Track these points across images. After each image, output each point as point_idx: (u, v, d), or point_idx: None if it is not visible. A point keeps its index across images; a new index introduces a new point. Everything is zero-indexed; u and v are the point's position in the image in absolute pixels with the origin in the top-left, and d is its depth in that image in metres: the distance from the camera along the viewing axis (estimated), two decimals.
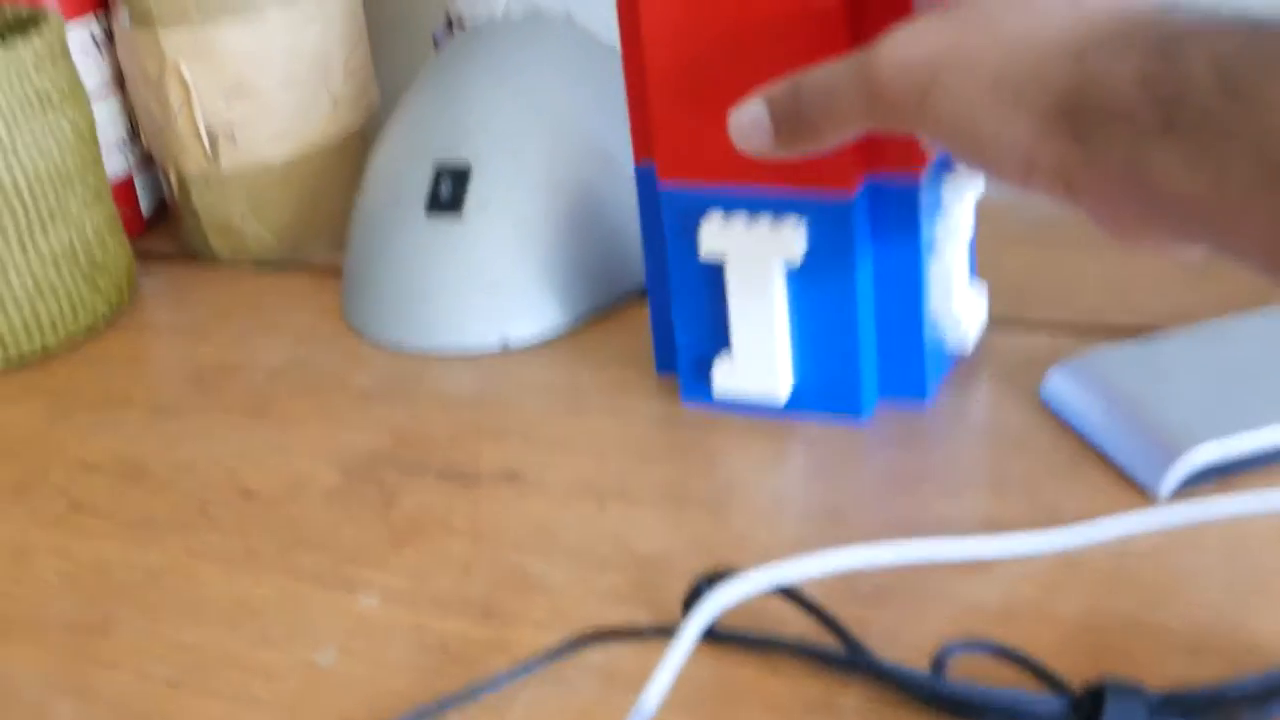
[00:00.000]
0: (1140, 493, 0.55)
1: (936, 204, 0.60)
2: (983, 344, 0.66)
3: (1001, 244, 0.75)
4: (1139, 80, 0.40)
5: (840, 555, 0.52)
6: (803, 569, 0.51)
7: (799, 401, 0.62)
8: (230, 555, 0.59)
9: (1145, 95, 0.40)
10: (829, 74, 0.49)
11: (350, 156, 0.85)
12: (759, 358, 0.61)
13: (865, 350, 0.61)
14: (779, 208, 0.59)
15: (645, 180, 0.63)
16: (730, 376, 0.62)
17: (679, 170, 0.60)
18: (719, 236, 0.59)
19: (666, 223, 0.61)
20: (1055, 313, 0.68)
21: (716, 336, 0.63)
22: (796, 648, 0.49)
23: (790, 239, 0.58)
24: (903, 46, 0.47)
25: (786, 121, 0.50)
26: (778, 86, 0.51)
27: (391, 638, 0.53)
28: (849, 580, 0.52)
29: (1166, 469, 0.54)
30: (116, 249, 0.81)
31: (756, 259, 0.59)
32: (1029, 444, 0.59)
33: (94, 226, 0.79)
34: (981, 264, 0.73)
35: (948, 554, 0.53)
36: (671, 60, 0.58)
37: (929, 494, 0.57)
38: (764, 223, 0.58)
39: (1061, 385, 0.61)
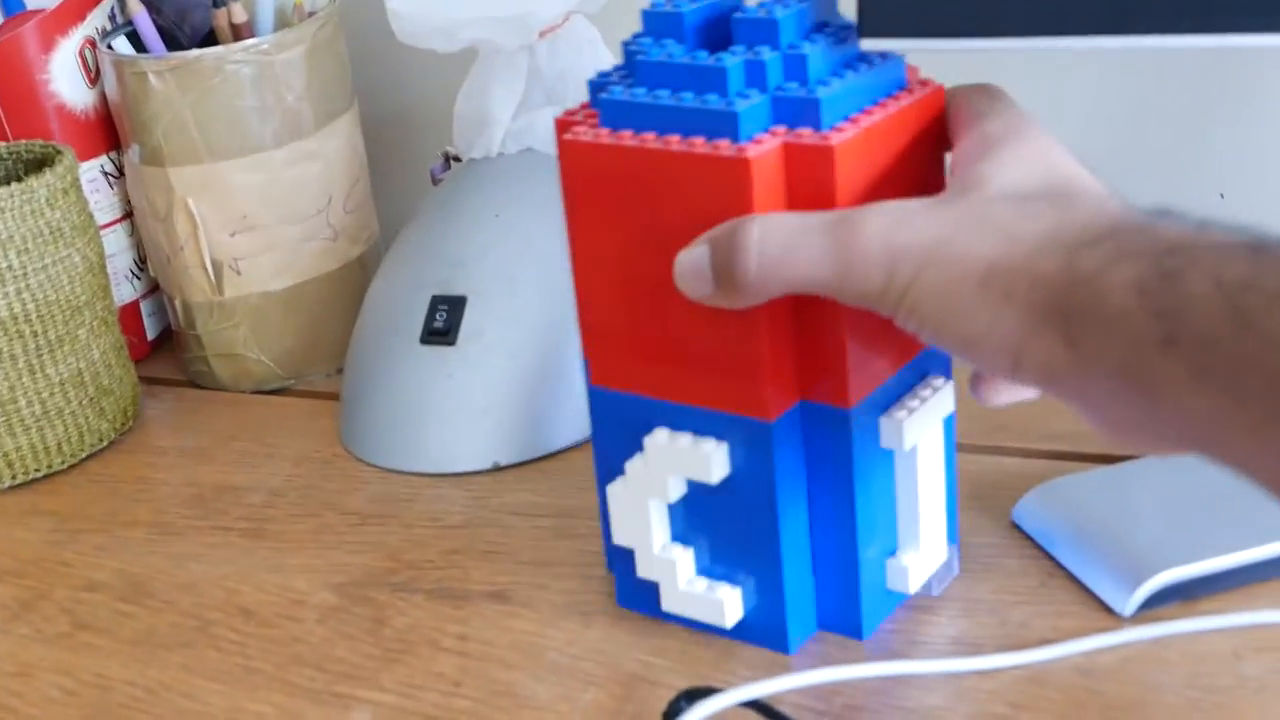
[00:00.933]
0: (1106, 613, 0.57)
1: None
2: (959, 467, 0.68)
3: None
4: (1136, 289, 0.39)
5: (816, 673, 0.54)
6: (779, 685, 0.53)
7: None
8: (228, 673, 0.61)
9: (1143, 305, 0.39)
10: (792, 228, 0.48)
11: (350, 286, 0.88)
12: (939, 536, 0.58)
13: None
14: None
15: (783, 432, 0.55)
16: (917, 569, 0.58)
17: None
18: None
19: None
20: (1030, 439, 0.71)
21: (891, 540, 0.58)
22: None
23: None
24: (893, 230, 0.45)
25: (726, 270, 0.49)
26: (723, 229, 0.49)
27: None
28: (824, 696, 0.54)
29: (1131, 590, 0.56)
30: (122, 374, 0.84)
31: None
32: (999, 565, 0.61)
33: (101, 353, 0.82)
34: (959, 388, 0.76)
35: (918, 670, 0.55)
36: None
37: (901, 613, 0.59)
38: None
39: (1033, 508, 0.63)
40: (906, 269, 0.45)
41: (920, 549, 0.57)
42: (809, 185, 0.50)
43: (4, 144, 0.84)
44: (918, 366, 0.57)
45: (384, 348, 0.78)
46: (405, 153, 0.99)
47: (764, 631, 0.57)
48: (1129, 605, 0.56)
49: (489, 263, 0.76)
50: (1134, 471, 0.64)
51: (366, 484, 0.75)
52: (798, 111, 0.50)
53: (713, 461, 0.54)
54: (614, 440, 0.57)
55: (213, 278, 0.85)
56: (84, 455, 0.81)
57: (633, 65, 0.54)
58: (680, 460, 0.55)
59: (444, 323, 0.75)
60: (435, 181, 0.86)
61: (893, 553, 0.58)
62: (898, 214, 0.46)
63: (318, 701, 0.58)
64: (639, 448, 0.56)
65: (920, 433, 0.55)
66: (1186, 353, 0.38)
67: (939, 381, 0.57)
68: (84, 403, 0.81)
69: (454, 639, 0.61)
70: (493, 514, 0.70)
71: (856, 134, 0.50)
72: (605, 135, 0.53)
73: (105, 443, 0.82)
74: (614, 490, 0.57)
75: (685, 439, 0.55)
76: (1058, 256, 0.42)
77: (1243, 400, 0.37)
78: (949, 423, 0.58)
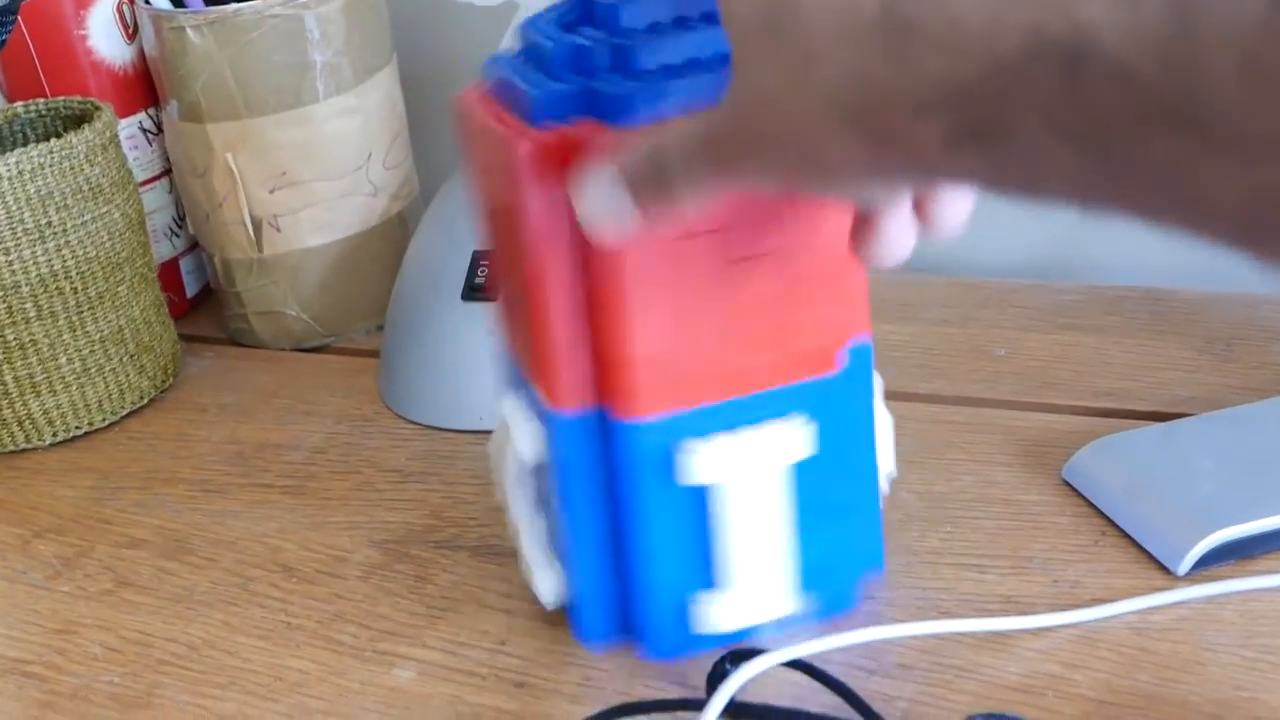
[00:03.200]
0: (1161, 571, 0.56)
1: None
2: (1007, 424, 0.67)
3: (1025, 327, 0.77)
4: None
5: (863, 632, 0.53)
6: (826, 645, 0.53)
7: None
8: (271, 629, 0.61)
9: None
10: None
11: (390, 242, 0.87)
12: (766, 583, 0.54)
13: (584, 582, 0.55)
14: (767, 410, 0.52)
15: (572, 430, 0.52)
16: (727, 612, 0.54)
17: (655, 403, 0.51)
18: (712, 459, 0.51)
19: (636, 463, 0.52)
20: (1078, 396, 0.70)
21: (698, 574, 0.54)
22: None
23: (798, 437, 0.52)
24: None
25: (645, 179, 0.43)
26: (624, 151, 0.44)
27: (427, 710, 0.54)
28: (873, 655, 0.54)
29: (1186, 549, 0.55)
30: (162, 332, 0.84)
31: (764, 471, 0.52)
32: (1051, 523, 0.60)
33: (141, 310, 0.81)
34: (1006, 346, 0.75)
35: (969, 630, 0.54)
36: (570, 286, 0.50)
37: (953, 572, 0.58)
38: (769, 428, 0.51)
39: (1086, 465, 0.62)
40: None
41: (735, 592, 0.53)
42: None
43: (42, 100, 0.84)
44: (771, 404, 0.51)
45: (425, 304, 0.77)
46: (445, 108, 0.98)
47: (574, 620, 0.56)
48: (1183, 564, 0.55)
49: None
50: (1188, 428, 0.63)
51: (407, 441, 0.74)
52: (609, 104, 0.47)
53: (524, 441, 0.54)
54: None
55: (252, 234, 0.84)
56: (124, 413, 0.81)
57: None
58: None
59: (485, 279, 0.75)
60: None
61: (706, 588, 0.54)
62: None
63: (361, 659, 0.58)
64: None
65: (726, 471, 0.51)
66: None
67: (794, 423, 0.52)
68: (124, 360, 0.80)
69: (498, 596, 0.60)
70: None
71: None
72: (478, 107, 0.52)
73: (145, 400, 0.82)
74: (491, 443, 0.58)
75: (520, 413, 0.55)
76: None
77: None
78: (805, 467, 0.53)
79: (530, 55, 0.50)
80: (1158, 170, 0.31)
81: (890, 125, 0.35)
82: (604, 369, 0.50)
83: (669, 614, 0.54)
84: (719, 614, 0.53)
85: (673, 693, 0.53)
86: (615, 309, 0.49)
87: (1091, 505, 0.61)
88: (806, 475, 0.53)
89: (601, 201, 0.44)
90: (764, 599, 0.54)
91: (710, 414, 0.51)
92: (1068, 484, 0.62)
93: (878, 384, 0.55)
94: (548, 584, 0.56)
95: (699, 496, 0.52)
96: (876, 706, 0.50)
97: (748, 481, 0.52)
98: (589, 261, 0.49)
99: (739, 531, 0.52)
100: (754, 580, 0.53)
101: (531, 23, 0.51)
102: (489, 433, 0.73)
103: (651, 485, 0.52)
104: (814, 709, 0.50)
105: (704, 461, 0.51)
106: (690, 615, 0.54)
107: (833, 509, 0.54)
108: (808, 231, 0.50)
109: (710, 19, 0.47)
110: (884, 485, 0.57)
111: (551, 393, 0.51)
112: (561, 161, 0.47)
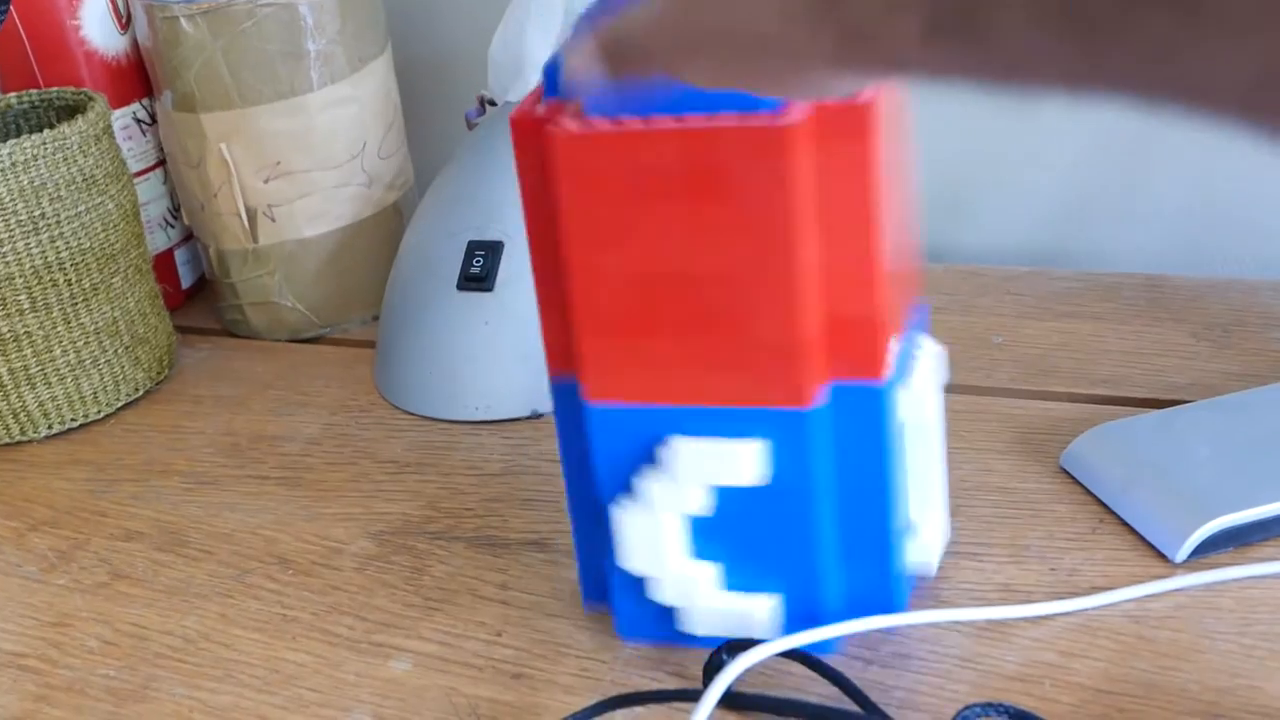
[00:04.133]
0: (1158, 559, 0.56)
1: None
2: (1005, 412, 0.67)
3: (1023, 314, 0.76)
4: None
5: (861, 622, 0.53)
6: (822, 634, 0.52)
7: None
8: (267, 622, 0.60)
9: None
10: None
11: (385, 232, 0.87)
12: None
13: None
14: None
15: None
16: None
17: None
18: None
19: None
20: (1075, 383, 0.69)
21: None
22: (816, 711, 0.50)
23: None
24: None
25: (613, 57, 0.42)
26: (601, 28, 0.42)
27: (424, 701, 0.54)
28: (872, 644, 0.53)
29: (1184, 536, 0.55)
30: (157, 323, 0.83)
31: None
32: (1049, 510, 0.60)
33: (136, 302, 0.81)
34: (1004, 333, 0.75)
35: (967, 618, 0.54)
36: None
37: (950, 560, 0.58)
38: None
39: (1083, 453, 0.62)
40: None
41: (936, 524, 0.55)
42: (842, 158, 0.47)
43: (36, 91, 0.83)
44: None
45: (420, 294, 0.77)
46: (440, 97, 0.98)
47: (876, 602, 0.53)
48: (1181, 551, 0.55)
49: None
50: (1186, 416, 0.62)
51: (403, 432, 0.74)
52: None
53: (748, 462, 0.50)
54: (619, 459, 0.52)
55: (246, 225, 0.84)
56: (120, 404, 0.81)
57: None
58: (709, 466, 0.50)
59: (481, 268, 0.74)
60: (470, 126, 0.85)
61: (910, 531, 0.54)
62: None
63: (357, 650, 0.58)
64: (648, 462, 0.52)
65: (934, 402, 0.52)
66: None
67: (929, 345, 0.54)
68: (119, 352, 0.80)
69: (494, 587, 0.60)
70: (531, 462, 0.69)
71: (877, 96, 0.47)
72: (605, 124, 0.47)
73: (141, 392, 0.82)
74: (622, 515, 0.52)
75: (711, 443, 0.50)
76: None
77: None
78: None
79: None
80: (1148, 49, 0.30)
81: (861, 18, 0.33)
82: (844, 342, 0.49)
83: (902, 570, 0.53)
84: (932, 549, 0.55)
85: (670, 683, 0.53)
86: (855, 273, 0.48)
87: (1089, 493, 0.60)
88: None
89: (582, 69, 0.43)
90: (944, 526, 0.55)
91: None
92: (1065, 472, 0.62)
93: (930, 436, 0.53)
94: (763, 611, 0.53)
95: (902, 439, 0.52)
96: (874, 696, 0.50)
97: (937, 408, 0.52)
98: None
99: (939, 460, 0.53)
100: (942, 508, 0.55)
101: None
102: (485, 423, 0.73)
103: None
104: (811, 699, 0.50)
105: (928, 397, 0.51)
106: (904, 564, 0.54)
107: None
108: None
109: None
110: (933, 557, 0.56)
111: (795, 391, 0.49)
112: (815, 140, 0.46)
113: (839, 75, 0.36)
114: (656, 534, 0.51)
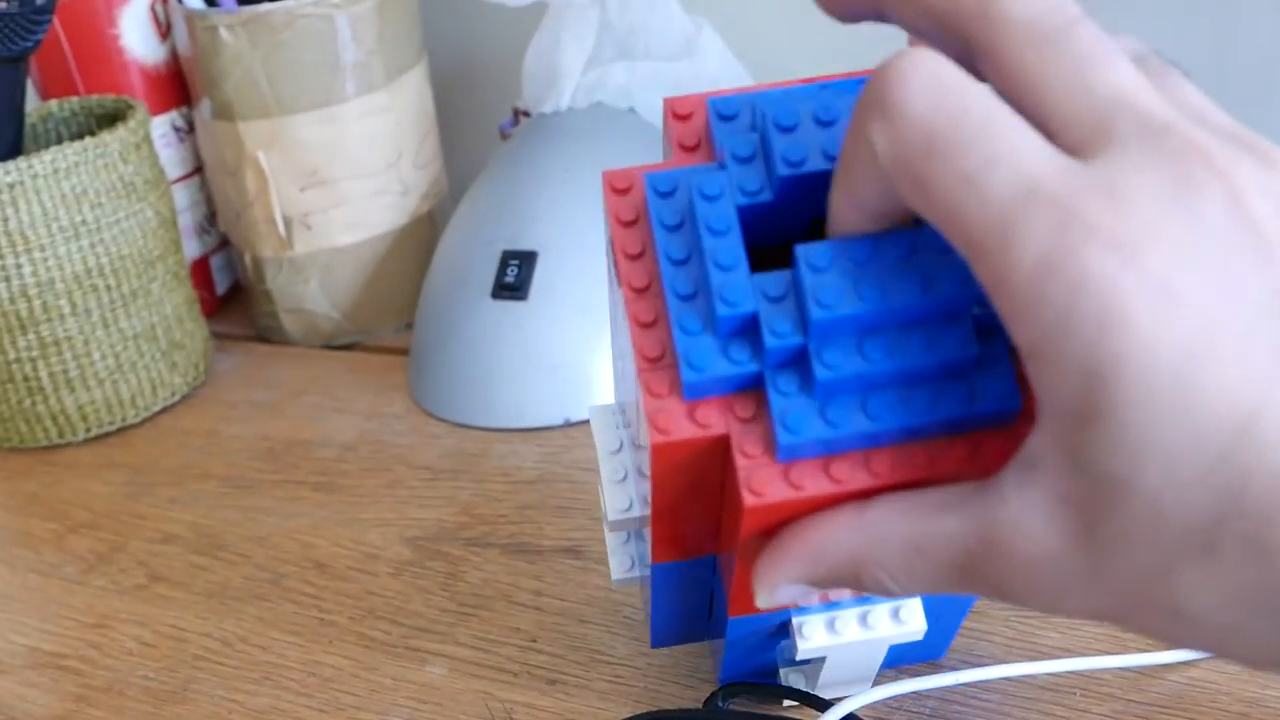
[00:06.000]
0: None
1: None
2: None
3: None
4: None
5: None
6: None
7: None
8: (304, 625, 0.61)
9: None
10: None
11: (419, 241, 0.88)
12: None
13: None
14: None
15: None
16: None
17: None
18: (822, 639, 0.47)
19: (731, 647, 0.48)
20: None
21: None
22: None
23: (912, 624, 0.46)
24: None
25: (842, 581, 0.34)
26: (819, 552, 0.34)
27: (459, 706, 0.55)
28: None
29: None
30: (194, 329, 0.84)
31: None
32: None
33: (173, 307, 0.82)
34: None
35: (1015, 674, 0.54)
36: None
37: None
38: (878, 615, 0.46)
39: None
40: None
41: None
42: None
43: (76, 99, 0.84)
44: None
45: (454, 303, 0.78)
46: (475, 108, 0.99)
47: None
48: None
49: (559, 217, 0.76)
50: None
51: (437, 439, 0.75)
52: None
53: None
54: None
55: (283, 232, 0.85)
56: (157, 409, 0.82)
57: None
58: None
59: (515, 278, 0.75)
60: (504, 136, 0.86)
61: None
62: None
63: (393, 655, 0.58)
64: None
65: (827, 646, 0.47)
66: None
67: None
68: (156, 357, 0.81)
69: (529, 594, 0.61)
70: (564, 469, 0.70)
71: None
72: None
73: (177, 397, 0.83)
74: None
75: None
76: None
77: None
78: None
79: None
80: None
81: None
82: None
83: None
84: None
85: (705, 692, 0.54)
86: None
87: None
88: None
89: (782, 594, 0.36)
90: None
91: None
92: None
93: None
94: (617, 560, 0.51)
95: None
96: (905, 706, 0.51)
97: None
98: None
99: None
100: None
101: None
102: (519, 430, 0.74)
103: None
104: None
105: (804, 641, 0.46)
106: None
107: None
108: None
109: (951, 318, 0.33)
110: None
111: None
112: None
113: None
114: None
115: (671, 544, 0.42)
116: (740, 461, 0.34)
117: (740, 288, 0.33)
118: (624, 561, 0.50)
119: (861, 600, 0.46)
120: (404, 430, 0.76)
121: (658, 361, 0.35)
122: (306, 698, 0.57)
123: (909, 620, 0.46)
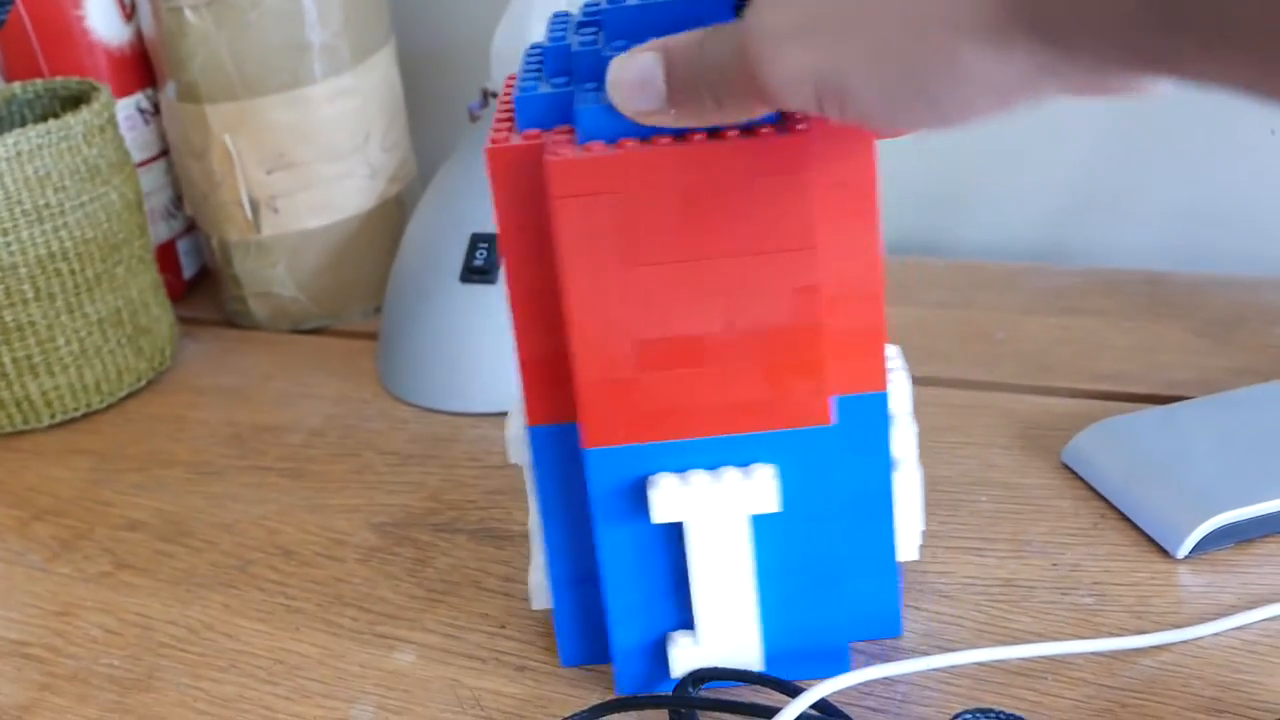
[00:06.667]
0: (1160, 554, 0.56)
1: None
2: (1006, 407, 0.67)
3: (1025, 309, 0.77)
4: None
5: (880, 667, 0.53)
6: (841, 682, 0.52)
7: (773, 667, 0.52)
8: (270, 612, 0.61)
9: None
10: (723, 41, 0.39)
11: (387, 224, 0.87)
12: (732, 627, 0.51)
13: (839, 589, 0.51)
14: (741, 456, 0.48)
15: (550, 443, 0.51)
16: (694, 654, 0.51)
17: (612, 434, 0.48)
18: (676, 499, 0.48)
19: (595, 493, 0.49)
20: (1077, 379, 0.70)
21: (666, 614, 0.51)
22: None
23: (764, 488, 0.48)
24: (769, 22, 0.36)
25: (686, 84, 0.41)
26: (679, 39, 0.41)
27: (427, 693, 0.54)
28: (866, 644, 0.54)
29: (1186, 532, 0.55)
30: (160, 314, 0.83)
31: (726, 517, 0.49)
32: (1051, 506, 0.60)
33: (139, 292, 0.81)
34: (1005, 329, 0.75)
35: (966, 611, 0.54)
36: (601, 302, 0.46)
37: (952, 555, 0.58)
38: (729, 476, 0.48)
39: (1085, 448, 0.62)
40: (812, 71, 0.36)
41: (702, 636, 0.51)
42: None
43: (40, 81, 0.83)
44: (741, 450, 0.49)
45: (423, 286, 0.77)
46: (443, 90, 0.98)
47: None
48: (1183, 547, 0.55)
49: None
50: (1187, 412, 0.63)
51: (406, 424, 0.74)
52: None
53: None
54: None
55: (250, 215, 0.84)
56: (122, 394, 0.81)
57: (552, 61, 0.48)
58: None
59: (484, 261, 0.74)
60: (473, 118, 0.85)
61: (678, 627, 0.52)
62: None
63: (361, 642, 0.58)
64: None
65: (682, 513, 0.48)
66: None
67: (758, 473, 0.48)
68: (122, 342, 0.80)
69: (498, 580, 0.60)
70: None
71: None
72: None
73: (143, 382, 0.82)
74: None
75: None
76: None
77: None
78: (784, 520, 0.50)
79: (545, 51, 0.49)
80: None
81: (1107, 31, 0.29)
82: (847, 355, 0.49)
83: (637, 648, 0.52)
84: (683, 657, 0.51)
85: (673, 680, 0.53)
86: (568, 330, 0.47)
87: (1091, 488, 0.61)
88: (788, 529, 0.49)
89: (634, 84, 0.41)
90: (732, 648, 0.51)
91: (673, 450, 0.48)
92: (1067, 467, 0.62)
93: (907, 437, 0.52)
94: (536, 582, 0.54)
95: (666, 533, 0.50)
96: (875, 690, 0.51)
97: (707, 526, 0.48)
98: (555, 277, 0.47)
99: (701, 576, 0.49)
100: (721, 629, 0.50)
101: (558, 15, 0.51)
102: (488, 415, 0.73)
103: (610, 515, 0.49)
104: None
105: (660, 500, 0.48)
106: (664, 651, 0.52)
107: (830, 568, 0.50)
108: (778, 278, 0.46)
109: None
110: (913, 547, 0.55)
111: (816, 409, 0.48)
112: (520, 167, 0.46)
113: (1012, 97, 0.33)
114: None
115: (540, 384, 0.49)
116: (550, 154, 0.44)
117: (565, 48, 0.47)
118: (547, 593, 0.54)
119: (712, 464, 0.48)
120: (372, 415, 0.76)
121: (509, 124, 0.48)
122: (273, 685, 0.56)
123: (758, 477, 0.48)
